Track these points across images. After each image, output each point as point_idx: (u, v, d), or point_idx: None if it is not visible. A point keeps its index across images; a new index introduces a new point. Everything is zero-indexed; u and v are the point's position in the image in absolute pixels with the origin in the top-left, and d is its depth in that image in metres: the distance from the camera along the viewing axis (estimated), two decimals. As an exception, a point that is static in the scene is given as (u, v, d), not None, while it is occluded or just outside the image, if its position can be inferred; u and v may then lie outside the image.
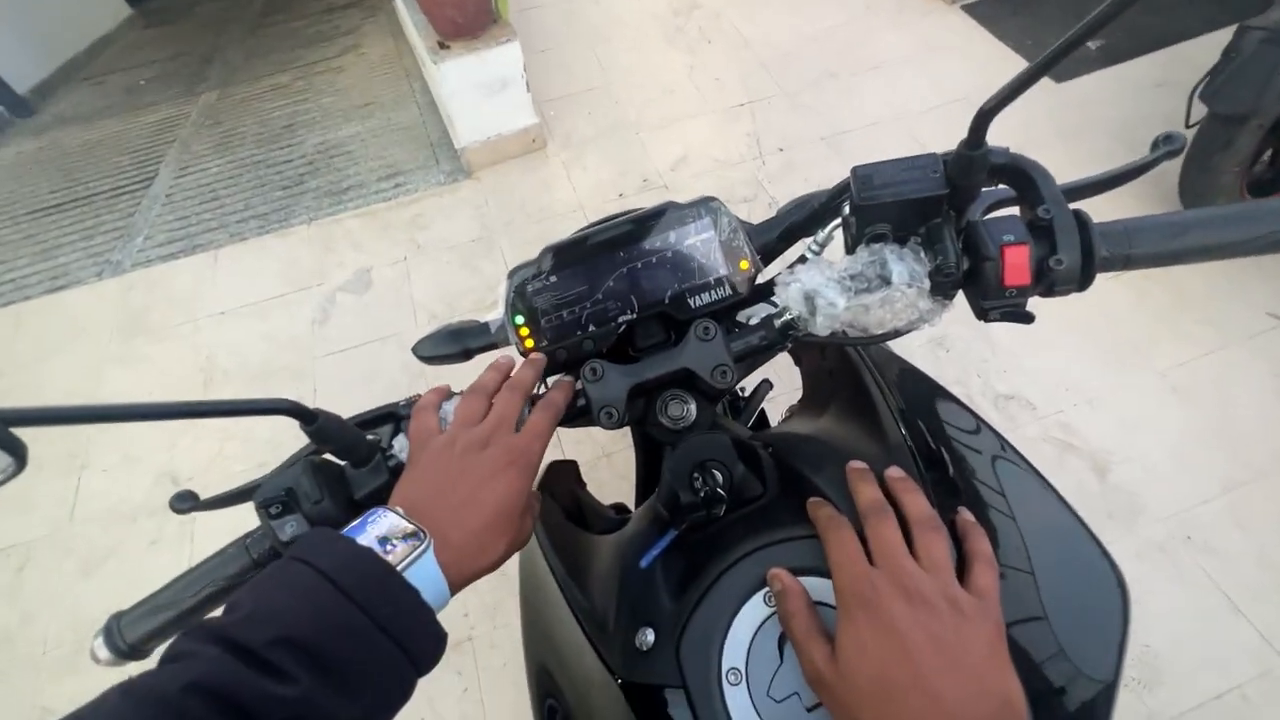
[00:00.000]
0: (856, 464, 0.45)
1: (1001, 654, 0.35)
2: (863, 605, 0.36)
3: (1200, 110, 1.59)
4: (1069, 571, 0.45)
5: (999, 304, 0.42)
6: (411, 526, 0.37)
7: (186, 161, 2.65)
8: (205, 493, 0.46)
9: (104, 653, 0.43)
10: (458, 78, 2.01)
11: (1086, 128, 2.12)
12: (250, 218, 2.26)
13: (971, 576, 0.38)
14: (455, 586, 0.38)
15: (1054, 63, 0.32)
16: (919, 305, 0.44)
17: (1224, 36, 1.57)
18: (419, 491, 0.41)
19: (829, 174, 2.13)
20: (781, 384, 0.93)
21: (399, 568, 0.35)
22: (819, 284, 0.45)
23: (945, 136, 2.16)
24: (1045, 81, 2.30)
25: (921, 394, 0.55)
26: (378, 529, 0.37)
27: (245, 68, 3.37)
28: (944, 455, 0.48)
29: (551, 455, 0.51)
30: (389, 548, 0.36)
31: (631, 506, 0.84)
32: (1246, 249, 0.41)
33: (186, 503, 0.46)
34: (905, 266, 0.43)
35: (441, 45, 1.97)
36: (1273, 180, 1.74)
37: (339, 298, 1.96)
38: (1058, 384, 1.61)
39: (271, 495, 0.43)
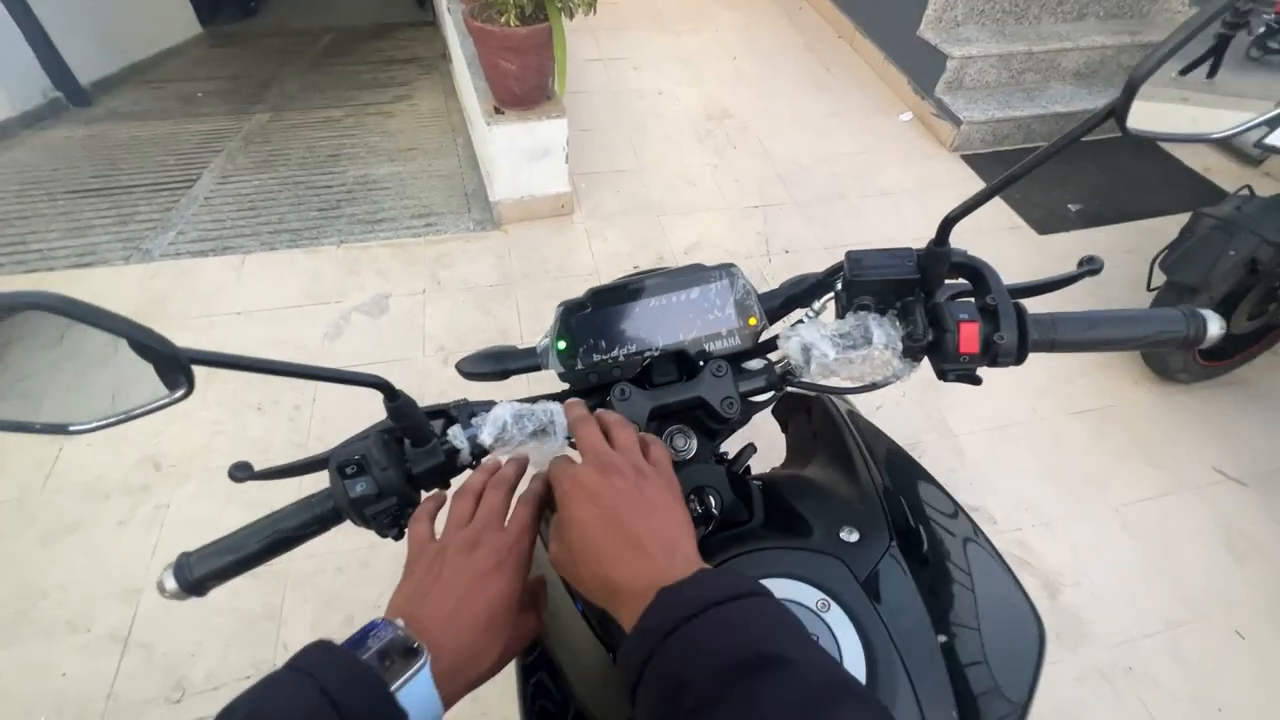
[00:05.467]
0: (571, 401, 0.54)
1: (675, 497, 0.46)
2: (573, 486, 0.45)
3: (1160, 277, 1.79)
4: (1005, 622, 0.53)
5: (954, 367, 0.53)
6: (411, 641, 0.38)
7: (230, 171, 2.79)
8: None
9: (171, 584, 0.47)
10: (505, 140, 2.20)
11: (1062, 277, 2.33)
12: (283, 231, 2.37)
13: (649, 453, 0.49)
14: (450, 699, 0.39)
15: (1001, 188, 0.44)
16: (893, 364, 0.54)
17: (1186, 218, 1.80)
18: (413, 601, 0.42)
19: (828, 280, 2.30)
20: (763, 451, 1.02)
21: (394, 688, 0.35)
22: (815, 338, 0.55)
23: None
24: (1030, 234, 2.57)
25: (905, 473, 0.64)
26: (378, 642, 0.37)
27: (300, 98, 3.60)
28: (920, 532, 0.56)
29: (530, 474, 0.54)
30: (387, 664, 0.36)
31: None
32: (1139, 344, 0.55)
33: (245, 472, 0.50)
34: (884, 331, 0.54)
35: (497, 110, 2.16)
36: (1221, 349, 1.93)
37: (354, 317, 2.04)
38: (1019, 503, 1.70)
39: (346, 459, 0.49)
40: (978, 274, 0.53)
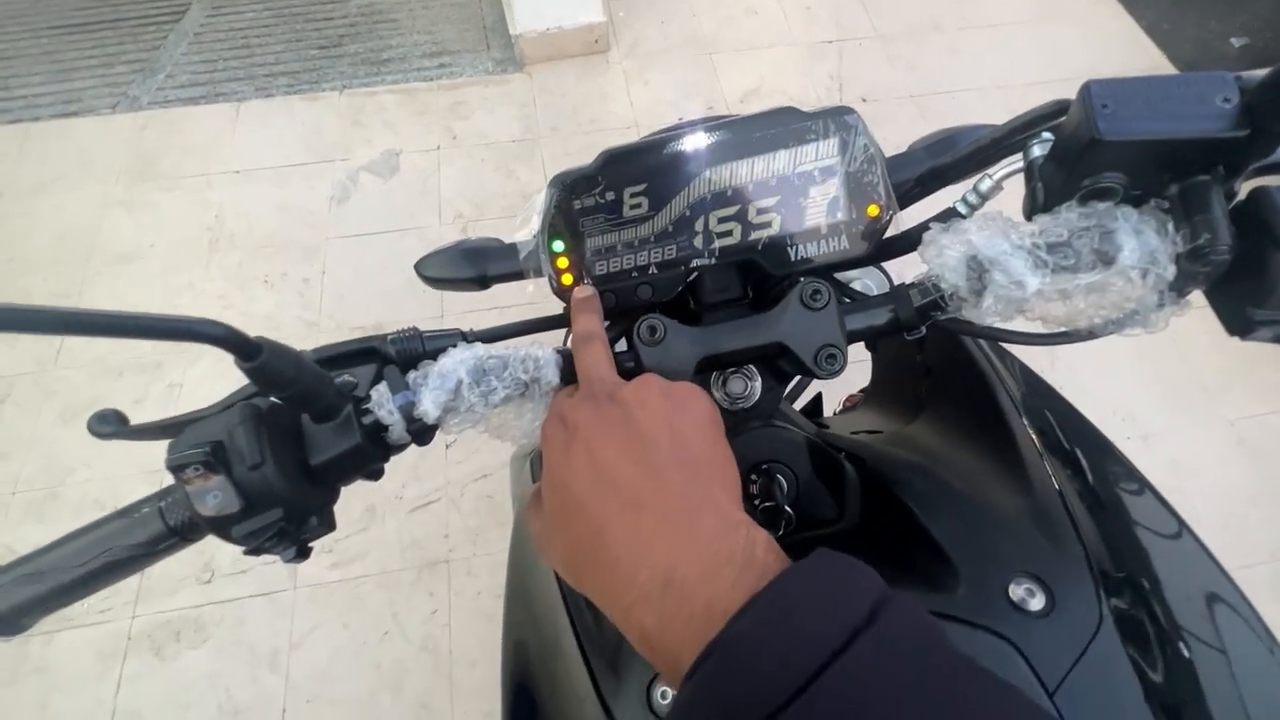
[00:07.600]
0: (582, 290, 0.39)
1: (715, 433, 0.30)
2: (552, 422, 0.31)
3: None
4: None
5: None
6: None
7: (221, 1, 2.44)
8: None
9: None
10: (525, -48, 1.79)
11: (1208, 135, 1.89)
12: (280, 73, 2.08)
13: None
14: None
15: None
16: (1143, 300, 0.31)
17: None
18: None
19: (912, 137, 1.92)
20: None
21: None
22: (1000, 250, 0.32)
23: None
24: (1169, 68, 2.06)
25: (1103, 469, 0.43)
26: None
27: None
28: (1151, 598, 0.36)
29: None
30: None
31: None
32: None
33: (109, 425, 0.33)
34: (1142, 242, 0.30)
35: (513, -91, 1.74)
36: None
37: (362, 178, 1.82)
38: (1115, 410, 1.48)
39: (189, 453, 0.30)
40: None
